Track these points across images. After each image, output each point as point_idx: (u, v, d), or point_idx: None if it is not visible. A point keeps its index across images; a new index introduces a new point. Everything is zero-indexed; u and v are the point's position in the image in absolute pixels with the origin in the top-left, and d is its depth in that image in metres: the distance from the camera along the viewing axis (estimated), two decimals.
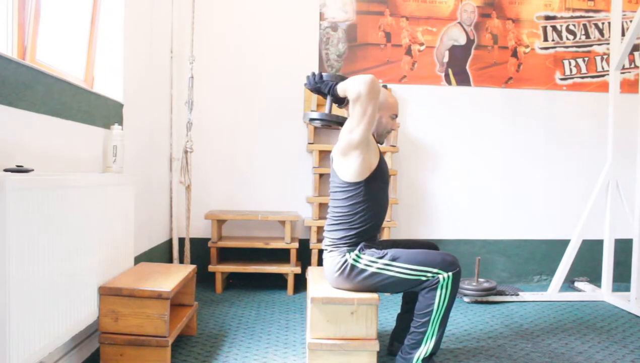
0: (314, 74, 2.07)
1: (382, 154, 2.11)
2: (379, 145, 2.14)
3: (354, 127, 1.91)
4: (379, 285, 1.97)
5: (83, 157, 2.08)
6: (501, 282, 3.66)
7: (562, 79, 3.74)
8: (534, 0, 3.68)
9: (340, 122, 2.07)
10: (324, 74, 2.06)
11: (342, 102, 2.05)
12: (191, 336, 2.41)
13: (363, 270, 1.96)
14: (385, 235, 3.29)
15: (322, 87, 2.04)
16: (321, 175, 3.33)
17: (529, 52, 3.70)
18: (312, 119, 2.11)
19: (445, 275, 1.91)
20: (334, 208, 2.07)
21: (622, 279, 3.57)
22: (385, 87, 3.53)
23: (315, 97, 3.39)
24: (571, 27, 3.73)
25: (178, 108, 3.34)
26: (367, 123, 1.89)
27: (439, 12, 3.62)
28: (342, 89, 1.98)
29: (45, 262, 1.52)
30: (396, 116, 2.16)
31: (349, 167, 1.99)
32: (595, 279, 3.55)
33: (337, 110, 2.16)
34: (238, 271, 3.25)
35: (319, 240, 3.21)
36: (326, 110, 2.08)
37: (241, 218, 3.32)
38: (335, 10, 3.53)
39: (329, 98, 2.06)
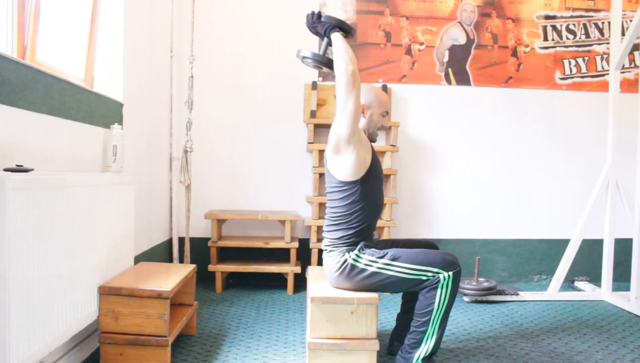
0: (313, 13, 2.03)
1: (375, 152, 2.10)
2: (372, 143, 2.14)
3: (340, 122, 1.93)
4: (379, 284, 1.97)
5: (83, 156, 2.07)
6: (501, 282, 3.66)
7: (562, 79, 3.74)
8: None
9: (330, 65, 2.01)
10: (323, 14, 2.00)
11: None
12: (191, 336, 2.41)
13: (363, 270, 1.96)
14: (385, 235, 3.29)
15: (319, 27, 2.00)
16: (321, 175, 3.33)
17: (529, 51, 3.70)
18: (304, 57, 2.07)
19: (446, 274, 1.91)
20: (331, 208, 2.07)
21: (622, 279, 3.57)
22: (385, 86, 3.53)
23: (315, 97, 3.39)
24: (571, 27, 3.73)
25: (178, 108, 3.34)
26: (349, 116, 1.90)
27: (438, 12, 3.62)
28: (334, 47, 1.95)
29: (45, 261, 1.52)
30: (387, 113, 2.16)
31: (344, 165, 1.99)
32: (595, 279, 3.55)
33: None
34: (238, 271, 3.25)
35: (319, 240, 3.21)
36: (320, 52, 2.04)
37: (241, 218, 3.32)
38: (335, 10, 3.53)
39: (325, 40, 2.03)
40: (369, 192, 2.02)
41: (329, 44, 2.02)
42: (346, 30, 2.01)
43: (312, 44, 3.50)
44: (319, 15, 2.01)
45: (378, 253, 1.97)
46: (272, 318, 2.72)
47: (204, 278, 3.30)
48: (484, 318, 2.81)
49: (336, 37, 1.97)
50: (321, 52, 2.04)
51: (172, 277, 2.15)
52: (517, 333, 2.58)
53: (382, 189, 2.14)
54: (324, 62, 2.03)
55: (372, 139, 2.15)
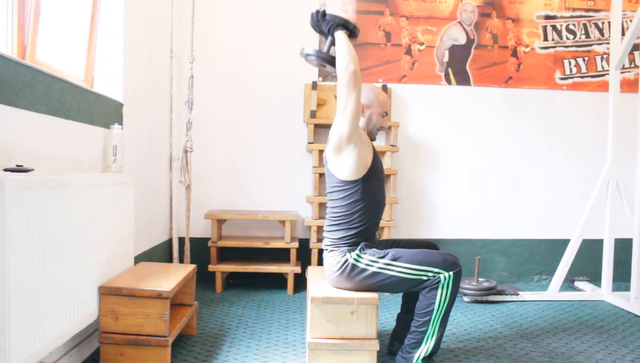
0: (317, 12, 2.01)
1: (376, 152, 2.10)
2: (373, 143, 2.14)
3: (339, 121, 1.93)
4: (379, 284, 1.97)
5: (83, 156, 2.07)
6: (501, 282, 3.66)
7: (562, 79, 3.74)
8: None
9: (334, 63, 1.99)
10: (327, 12, 1.99)
11: None
12: (191, 336, 2.41)
13: (364, 270, 1.96)
14: (385, 235, 3.29)
15: (324, 25, 1.99)
16: (321, 175, 3.33)
17: (529, 51, 3.70)
18: (307, 55, 2.06)
19: (446, 274, 1.91)
20: (332, 208, 2.07)
21: (622, 279, 3.57)
22: (385, 86, 3.53)
23: (315, 97, 3.39)
24: (571, 27, 3.73)
25: (178, 108, 3.34)
26: (350, 115, 1.90)
27: (438, 12, 3.62)
28: (337, 45, 1.94)
29: (45, 261, 1.52)
30: (387, 114, 2.16)
31: (345, 165, 1.99)
32: (595, 279, 3.55)
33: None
34: (238, 271, 3.24)
35: (319, 240, 3.21)
36: (324, 49, 2.03)
37: (241, 218, 3.32)
38: (335, 10, 3.53)
39: (329, 38, 2.02)
40: (370, 191, 2.02)
41: (333, 42, 2.01)
42: (350, 29, 2.00)
43: (311, 44, 3.51)
44: (324, 13, 2.00)
45: (379, 253, 1.97)
46: (272, 318, 2.72)
47: (204, 278, 3.30)
48: (484, 318, 2.81)
49: (340, 35, 1.96)
50: (325, 50, 2.03)
51: (172, 277, 2.15)
52: (517, 333, 2.58)
53: (383, 189, 2.14)
54: (327, 60, 2.02)
55: (372, 138, 2.15)
